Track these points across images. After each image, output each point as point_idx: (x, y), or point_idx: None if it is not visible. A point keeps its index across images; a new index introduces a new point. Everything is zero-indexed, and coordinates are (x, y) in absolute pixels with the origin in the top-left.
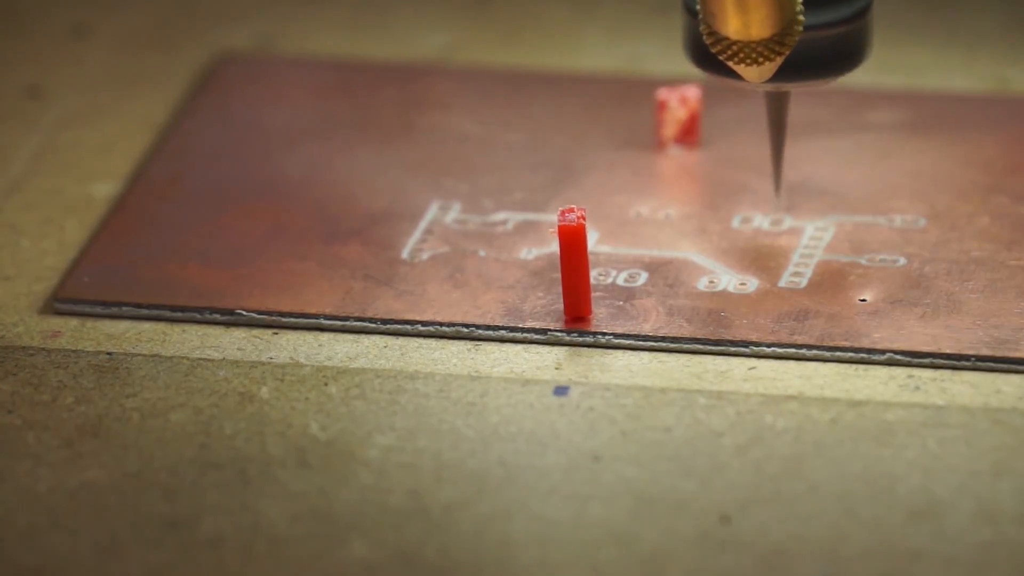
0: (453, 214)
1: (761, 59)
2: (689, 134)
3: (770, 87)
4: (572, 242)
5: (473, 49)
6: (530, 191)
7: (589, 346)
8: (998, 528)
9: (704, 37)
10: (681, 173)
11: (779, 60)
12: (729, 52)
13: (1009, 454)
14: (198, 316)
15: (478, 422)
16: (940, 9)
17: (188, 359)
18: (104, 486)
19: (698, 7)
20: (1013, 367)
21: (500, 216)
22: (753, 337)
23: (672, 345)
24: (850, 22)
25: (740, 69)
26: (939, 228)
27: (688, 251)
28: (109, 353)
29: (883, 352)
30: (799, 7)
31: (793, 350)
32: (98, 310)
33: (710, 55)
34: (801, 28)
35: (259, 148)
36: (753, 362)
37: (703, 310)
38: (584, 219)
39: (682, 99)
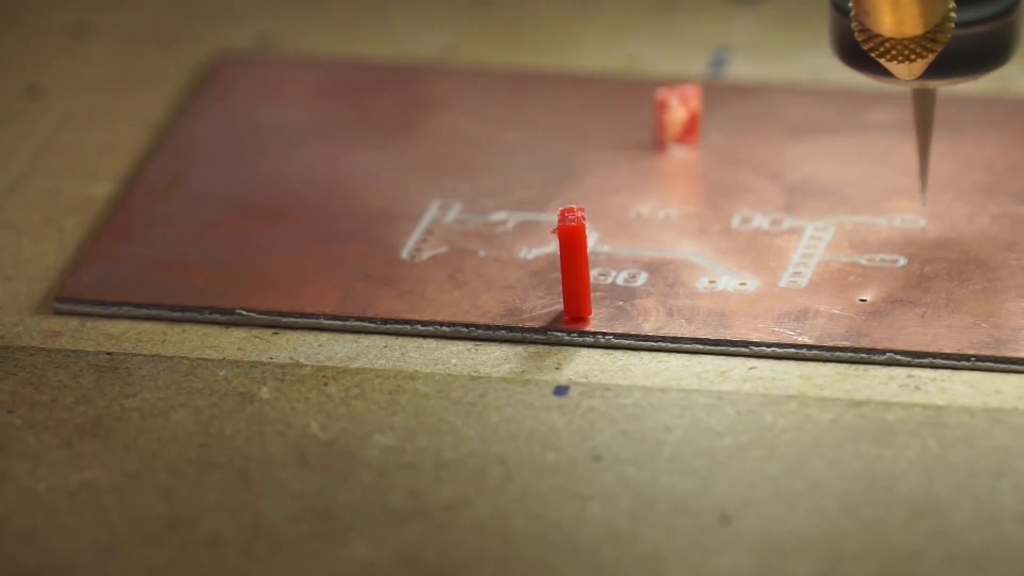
0: (453, 214)
1: (913, 56)
2: (689, 134)
3: (917, 84)
4: (572, 242)
5: (473, 49)
6: (530, 191)
7: (589, 346)
8: (998, 528)
9: (856, 35)
10: (681, 173)
11: (931, 57)
12: (881, 49)
13: (1009, 454)
14: (198, 316)
15: (478, 422)
16: None
17: (188, 359)
18: (104, 486)
19: (850, 5)
20: (1013, 367)
21: (500, 216)
22: (753, 337)
23: (672, 345)
24: (999, 19)
25: (891, 66)
26: (939, 228)
27: (688, 251)
28: (109, 353)
29: (883, 352)
30: (951, 4)
31: (793, 350)
32: (98, 310)
33: (859, 52)
34: (953, 25)
35: (259, 148)
36: (753, 362)
37: (703, 310)
38: (584, 219)
39: (682, 99)
